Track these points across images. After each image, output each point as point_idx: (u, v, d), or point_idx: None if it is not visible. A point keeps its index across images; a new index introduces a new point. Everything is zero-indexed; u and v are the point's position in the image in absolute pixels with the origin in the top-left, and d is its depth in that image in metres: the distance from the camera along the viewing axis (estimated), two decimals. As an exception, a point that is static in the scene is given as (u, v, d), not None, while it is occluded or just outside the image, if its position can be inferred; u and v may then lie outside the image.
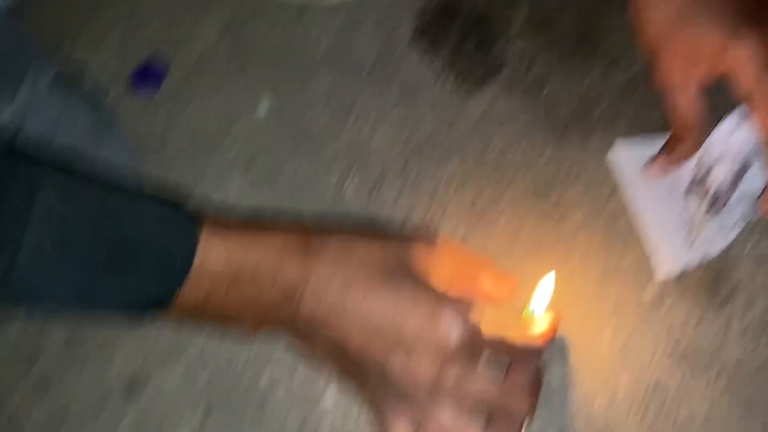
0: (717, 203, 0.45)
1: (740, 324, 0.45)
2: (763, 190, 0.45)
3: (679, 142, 0.45)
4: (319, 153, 0.53)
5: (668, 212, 0.47)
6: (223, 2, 0.59)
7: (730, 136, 0.44)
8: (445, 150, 0.52)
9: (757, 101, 0.40)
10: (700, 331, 0.45)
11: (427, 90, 0.54)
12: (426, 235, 0.40)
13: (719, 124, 0.46)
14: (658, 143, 0.48)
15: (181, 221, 0.34)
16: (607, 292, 0.46)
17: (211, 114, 0.55)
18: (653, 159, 0.47)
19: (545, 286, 0.42)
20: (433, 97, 0.54)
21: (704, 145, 0.46)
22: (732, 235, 0.46)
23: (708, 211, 0.45)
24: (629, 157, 0.49)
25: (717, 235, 0.46)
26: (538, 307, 0.41)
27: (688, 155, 0.45)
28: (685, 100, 0.43)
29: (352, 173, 0.52)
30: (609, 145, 0.51)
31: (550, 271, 0.42)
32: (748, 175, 0.46)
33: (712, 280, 0.46)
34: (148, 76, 0.56)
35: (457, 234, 0.49)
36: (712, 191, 0.44)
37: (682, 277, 0.46)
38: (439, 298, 0.36)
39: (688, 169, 0.47)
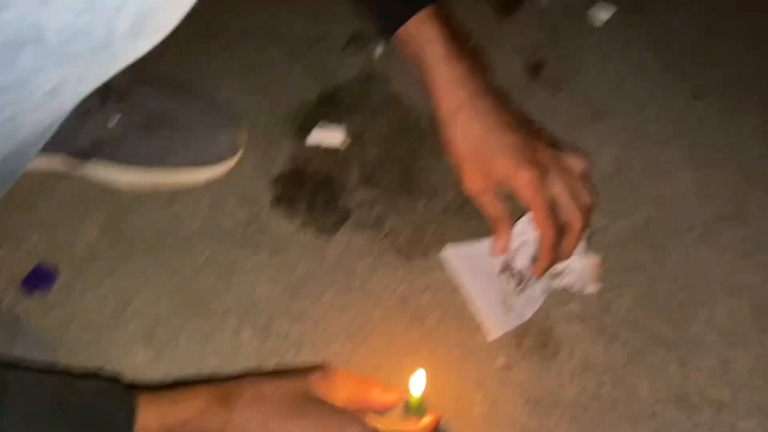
0: (522, 280, 0.60)
1: (569, 369, 0.58)
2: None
3: (499, 226, 0.60)
4: (211, 312, 0.61)
5: (489, 289, 0.61)
6: (99, 202, 0.68)
7: (526, 230, 0.60)
8: (319, 286, 0.63)
9: (534, 213, 0.58)
10: (542, 381, 0.57)
11: (294, 240, 0.66)
12: (320, 366, 0.50)
13: (518, 222, 0.62)
14: (475, 244, 0.64)
15: (120, 394, 0.41)
16: (469, 369, 0.58)
17: (105, 299, 0.61)
18: (493, 245, 0.61)
19: (417, 380, 0.52)
20: (300, 245, 0.66)
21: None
22: (539, 303, 0.61)
23: (517, 287, 0.60)
24: (456, 256, 0.64)
25: (527, 304, 0.61)
26: (415, 392, 0.52)
27: (509, 234, 0.60)
28: (488, 199, 0.60)
29: (244, 322, 0.60)
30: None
31: (420, 368, 0.53)
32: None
33: (541, 340, 0.60)
34: (39, 279, 0.62)
35: (345, 350, 0.58)
36: (516, 271, 0.60)
37: (520, 340, 0.60)
38: (342, 417, 0.45)
39: (500, 256, 0.62)
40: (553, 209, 0.57)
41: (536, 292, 0.61)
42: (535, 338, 0.60)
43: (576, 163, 0.61)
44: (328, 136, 0.75)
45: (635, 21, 0.86)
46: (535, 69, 0.82)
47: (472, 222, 0.67)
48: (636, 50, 0.83)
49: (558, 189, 0.58)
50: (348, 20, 0.83)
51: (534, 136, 0.60)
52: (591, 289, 0.62)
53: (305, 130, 0.75)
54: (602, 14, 0.87)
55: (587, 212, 0.59)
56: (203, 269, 0.64)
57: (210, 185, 0.70)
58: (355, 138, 0.75)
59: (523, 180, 0.56)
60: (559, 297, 0.62)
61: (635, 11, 0.87)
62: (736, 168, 0.72)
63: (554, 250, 0.58)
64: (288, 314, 0.61)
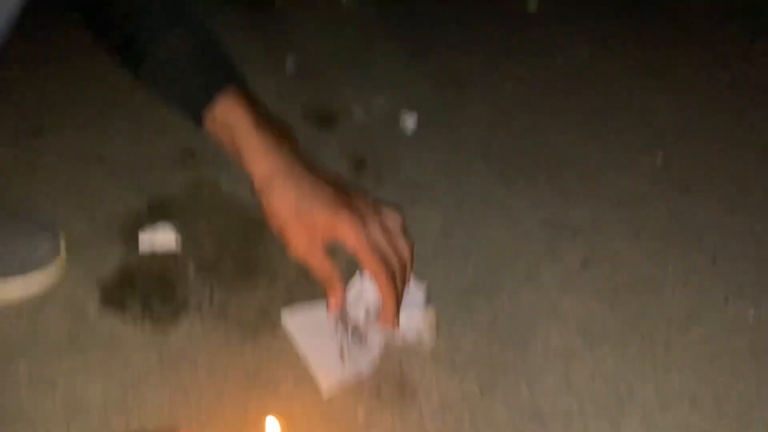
0: (358, 334, 0.61)
1: (429, 408, 0.58)
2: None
3: (330, 283, 0.60)
4: (33, 425, 0.54)
5: (324, 346, 0.61)
6: None
7: (362, 286, 0.62)
8: (160, 378, 0.58)
9: (361, 254, 0.59)
10: (405, 424, 0.57)
11: (128, 338, 0.62)
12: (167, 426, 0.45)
13: (354, 278, 0.63)
14: (312, 305, 0.65)
15: None
16: (332, 426, 0.56)
17: None
18: (328, 302, 0.61)
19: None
20: (135, 342, 0.61)
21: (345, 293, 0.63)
22: (377, 355, 0.61)
23: (353, 340, 0.61)
24: (291, 319, 0.64)
25: (365, 356, 0.61)
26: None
27: (341, 293, 0.61)
28: (317, 259, 0.60)
29: (73, 428, 0.53)
30: (292, 330, 0.64)
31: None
32: (378, 312, 0.63)
33: (399, 384, 0.60)
34: None
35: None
36: (353, 324, 0.61)
37: (378, 389, 0.59)
38: None
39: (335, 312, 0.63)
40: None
41: (374, 344, 0.62)
42: (392, 385, 0.60)
43: (393, 216, 0.65)
44: (160, 238, 0.73)
45: (435, 125, 0.98)
46: (359, 166, 0.90)
47: (316, 294, 0.68)
48: (440, 147, 0.94)
49: (378, 237, 0.59)
50: (172, 137, 0.86)
51: (349, 190, 0.64)
52: (429, 342, 0.64)
53: (135, 236, 0.73)
54: (410, 123, 0.99)
55: (408, 262, 0.61)
56: (24, 384, 0.57)
57: (28, 296, 0.64)
58: (189, 237, 0.74)
59: (344, 224, 0.58)
60: (409, 344, 0.63)
61: (433, 115, 1.00)
62: (541, 222, 0.81)
63: (394, 287, 0.59)
64: (126, 411, 0.55)
